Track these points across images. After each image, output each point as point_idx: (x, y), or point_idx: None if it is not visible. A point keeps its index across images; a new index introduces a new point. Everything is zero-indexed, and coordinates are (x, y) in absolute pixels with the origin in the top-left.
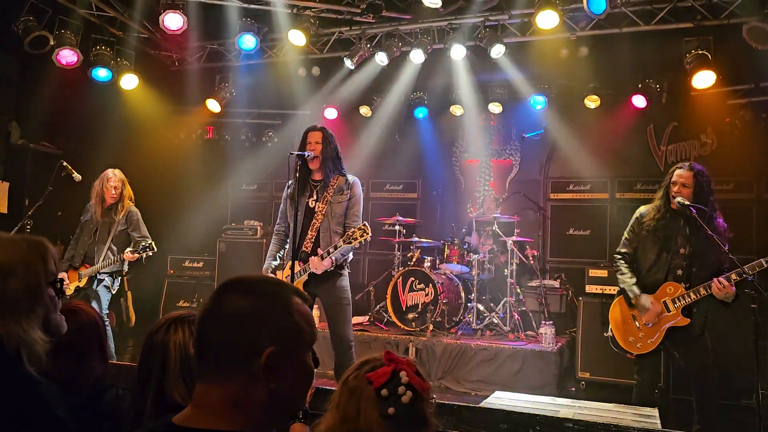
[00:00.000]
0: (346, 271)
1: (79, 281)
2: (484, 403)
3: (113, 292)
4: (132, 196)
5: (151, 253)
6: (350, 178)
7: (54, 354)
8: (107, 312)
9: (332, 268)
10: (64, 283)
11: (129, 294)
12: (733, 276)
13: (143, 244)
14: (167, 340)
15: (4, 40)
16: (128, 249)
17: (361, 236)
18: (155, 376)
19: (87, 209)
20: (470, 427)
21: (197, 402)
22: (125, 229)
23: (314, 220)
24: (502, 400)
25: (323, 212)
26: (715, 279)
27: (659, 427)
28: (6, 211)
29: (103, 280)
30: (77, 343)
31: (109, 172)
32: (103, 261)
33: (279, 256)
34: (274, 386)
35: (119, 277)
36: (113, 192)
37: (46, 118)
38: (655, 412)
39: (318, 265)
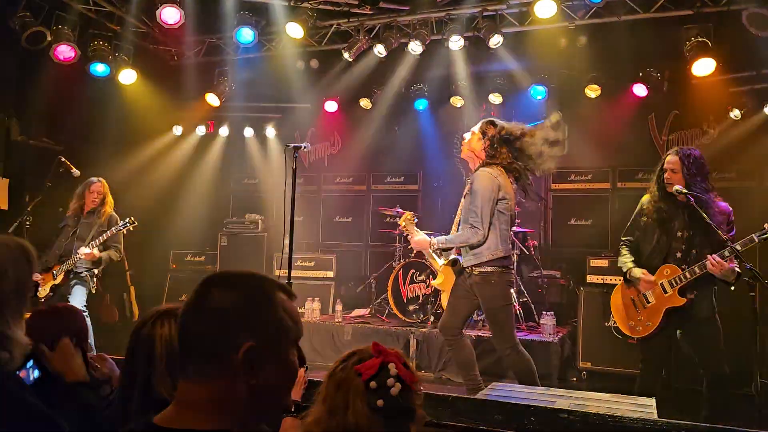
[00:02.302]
0: (490, 273)
1: (54, 279)
2: (480, 395)
3: (92, 291)
4: (113, 204)
5: (131, 228)
6: (480, 170)
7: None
8: (84, 306)
9: (472, 258)
10: (39, 284)
11: (132, 289)
12: (725, 253)
13: (121, 222)
14: (153, 334)
15: (2, 36)
16: (86, 249)
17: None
18: (142, 370)
19: (64, 219)
20: (465, 419)
21: (180, 400)
22: (105, 231)
23: (457, 215)
24: (498, 391)
25: (460, 208)
26: (708, 257)
27: (655, 417)
28: (6, 208)
29: (81, 272)
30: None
31: (93, 179)
32: (78, 254)
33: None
34: (255, 382)
35: (96, 277)
36: (95, 197)
37: (46, 114)
38: (653, 401)
39: (415, 243)
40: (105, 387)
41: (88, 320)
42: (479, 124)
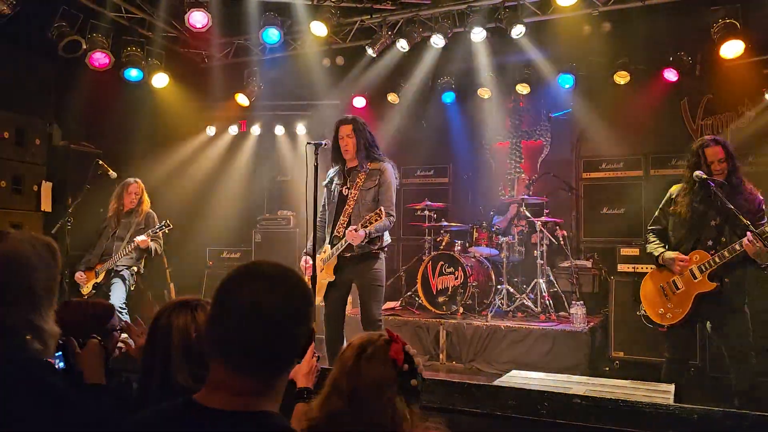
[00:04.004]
0: (382, 255)
1: (97, 278)
2: (497, 382)
3: (131, 288)
4: (149, 203)
5: (167, 230)
6: (384, 164)
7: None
8: (124, 303)
9: (366, 245)
10: (82, 281)
11: (172, 286)
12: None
13: (158, 224)
14: (170, 325)
15: (41, 46)
16: (141, 237)
17: (375, 220)
18: (160, 360)
19: (105, 220)
20: (479, 405)
21: (225, 385)
22: (143, 229)
23: (347, 206)
24: (516, 378)
25: (354, 198)
26: (748, 233)
27: (671, 402)
28: (50, 210)
29: (121, 271)
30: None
31: (130, 179)
32: (120, 253)
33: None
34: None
35: (136, 275)
36: (133, 197)
37: (85, 119)
38: (671, 387)
39: (354, 236)
40: (114, 378)
41: (126, 317)
42: (354, 125)
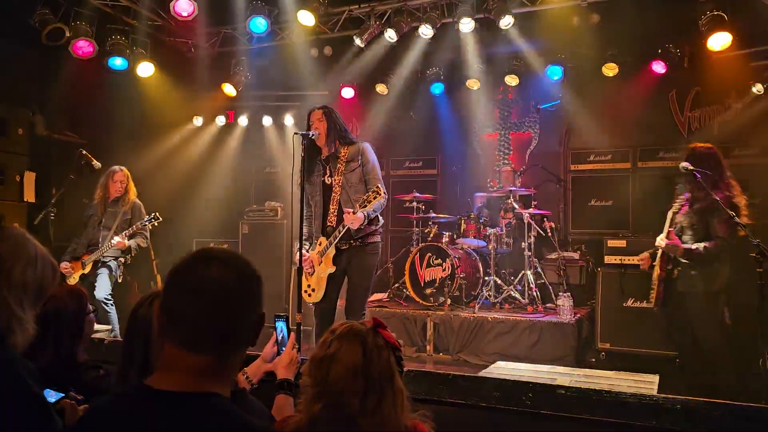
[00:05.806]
0: (379, 244)
1: (84, 269)
2: (482, 373)
3: (119, 280)
4: (136, 192)
5: (156, 223)
6: (360, 145)
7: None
8: (110, 294)
9: (365, 227)
10: (68, 272)
11: (158, 277)
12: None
13: (147, 217)
14: (150, 315)
15: (24, 34)
16: (117, 237)
17: (375, 198)
18: (139, 348)
19: (90, 206)
20: (464, 396)
21: (178, 367)
22: (129, 219)
23: (333, 194)
24: (501, 369)
25: (339, 184)
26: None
27: (655, 393)
28: (33, 200)
29: (108, 262)
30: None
31: (116, 167)
32: (106, 244)
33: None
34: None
35: (122, 266)
36: (119, 186)
37: (68, 109)
38: (656, 378)
39: (354, 219)
40: (92, 371)
41: (112, 308)
42: (324, 110)
